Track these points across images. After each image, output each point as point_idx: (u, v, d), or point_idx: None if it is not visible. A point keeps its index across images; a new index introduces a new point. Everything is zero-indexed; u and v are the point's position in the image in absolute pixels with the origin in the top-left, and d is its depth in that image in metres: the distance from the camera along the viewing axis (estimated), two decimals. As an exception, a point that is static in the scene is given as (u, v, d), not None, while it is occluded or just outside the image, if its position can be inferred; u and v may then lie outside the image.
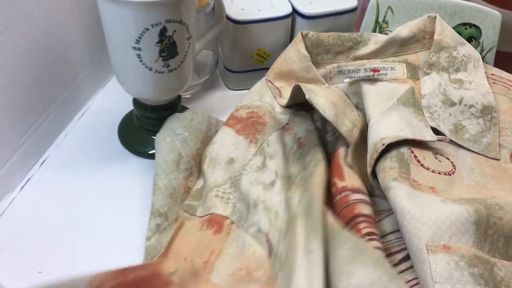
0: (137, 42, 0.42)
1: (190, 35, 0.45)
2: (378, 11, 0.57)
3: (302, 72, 0.52)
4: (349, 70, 0.55)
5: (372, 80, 0.52)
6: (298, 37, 0.53)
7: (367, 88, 0.51)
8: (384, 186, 0.41)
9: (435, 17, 0.54)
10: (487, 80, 0.51)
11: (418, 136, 0.44)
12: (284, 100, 0.51)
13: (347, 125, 0.47)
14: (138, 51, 0.43)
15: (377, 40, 0.55)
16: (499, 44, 0.58)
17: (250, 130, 0.48)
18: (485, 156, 0.46)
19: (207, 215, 0.43)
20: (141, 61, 0.44)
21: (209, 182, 0.45)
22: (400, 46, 0.55)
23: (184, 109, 0.56)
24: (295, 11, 0.57)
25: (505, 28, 0.59)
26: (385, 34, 0.57)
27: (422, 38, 0.55)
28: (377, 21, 0.57)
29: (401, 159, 0.43)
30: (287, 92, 0.51)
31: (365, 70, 0.53)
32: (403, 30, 0.55)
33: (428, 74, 0.51)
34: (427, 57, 0.52)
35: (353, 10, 0.57)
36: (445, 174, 0.44)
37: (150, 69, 0.44)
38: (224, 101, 0.60)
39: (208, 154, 0.48)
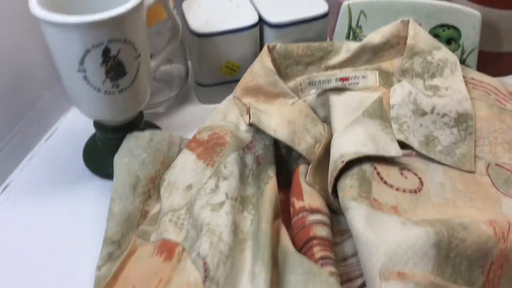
0: (81, 63, 0.41)
1: (139, 53, 0.43)
2: (351, 16, 0.54)
3: (268, 86, 0.50)
4: (319, 81, 0.52)
5: (342, 90, 0.49)
6: (264, 50, 0.51)
7: (334, 99, 0.48)
8: (343, 206, 0.39)
9: (408, 21, 0.51)
10: (466, 85, 0.48)
11: (381, 152, 0.41)
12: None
13: (308, 141, 0.44)
14: (84, 73, 0.41)
15: (348, 48, 0.53)
16: (481, 44, 0.55)
17: (209, 153, 0.46)
18: (458, 169, 0.43)
19: (159, 240, 0.42)
20: (88, 83, 0.42)
21: (164, 206, 0.44)
22: (373, 53, 0.52)
23: (150, 126, 0.55)
24: (262, 20, 0.55)
25: (486, 27, 0.56)
26: (360, 39, 0.54)
27: (396, 44, 0.52)
28: (350, 26, 0.55)
29: (362, 177, 0.40)
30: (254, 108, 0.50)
31: (336, 80, 0.50)
32: (375, 36, 0.52)
33: (400, 81, 0.48)
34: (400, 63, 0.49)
35: (323, 16, 0.55)
36: (410, 192, 0.40)
37: (99, 90, 0.43)
38: (197, 115, 0.58)
39: (166, 178, 0.46)
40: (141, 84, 0.45)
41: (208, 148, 0.46)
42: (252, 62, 0.54)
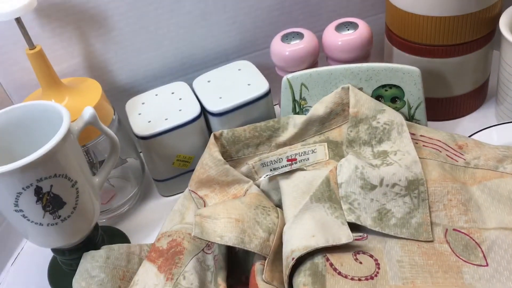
0: (16, 205, 0.41)
1: (75, 181, 0.43)
2: (293, 90, 0.54)
3: (220, 176, 0.50)
4: (271, 161, 0.52)
5: (292, 171, 0.48)
6: (211, 141, 0.52)
7: (283, 185, 0.47)
8: None
9: (348, 88, 0.51)
10: (416, 143, 0.47)
11: (331, 241, 0.40)
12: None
13: (260, 236, 0.43)
14: (21, 212, 0.41)
15: (295, 123, 0.52)
16: (432, 91, 0.54)
17: (169, 264, 0.45)
18: (416, 240, 0.42)
19: None
20: (28, 220, 0.42)
21: None
22: (320, 124, 0.52)
23: (111, 231, 0.54)
24: (205, 110, 0.54)
25: (433, 75, 0.56)
26: (306, 110, 0.54)
27: (341, 111, 0.51)
28: (294, 100, 0.54)
29: (315, 271, 0.39)
30: (211, 199, 0.49)
31: (287, 158, 0.50)
32: (319, 107, 0.52)
33: (347, 153, 0.47)
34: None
35: (266, 94, 0.54)
36: (367, 279, 0.39)
37: (41, 224, 0.42)
38: (160, 209, 0.57)
39: None
40: (85, 207, 0.45)
41: (168, 258, 0.45)
42: (202, 150, 0.54)
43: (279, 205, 0.48)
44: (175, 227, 0.48)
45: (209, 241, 0.41)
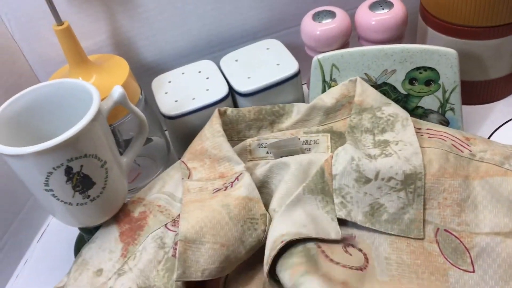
0: (46, 185, 0.40)
1: (104, 161, 0.42)
2: (323, 70, 0.52)
3: (214, 149, 0.48)
4: (269, 143, 0.51)
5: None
6: (214, 114, 0.50)
7: (289, 159, 0.46)
8: (294, 284, 0.37)
9: (356, 80, 0.49)
10: (422, 136, 0.45)
11: (321, 234, 0.40)
12: (192, 183, 0.47)
13: (241, 257, 0.42)
14: (51, 192, 0.41)
15: (299, 109, 0.52)
16: (468, 74, 0.52)
17: (130, 238, 0.44)
18: (406, 237, 0.41)
19: None
20: (58, 199, 0.42)
21: None
22: (325, 114, 0.50)
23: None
24: (233, 90, 0.53)
25: (469, 58, 0.54)
26: (337, 92, 0.53)
27: (348, 104, 0.50)
28: (324, 81, 0.53)
29: (307, 254, 0.39)
30: (198, 173, 0.48)
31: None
32: (325, 97, 0.50)
33: (348, 139, 0.45)
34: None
35: (296, 75, 0.53)
36: (357, 269, 0.39)
37: (70, 204, 0.42)
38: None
39: (83, 253, 0.45)
40: (114, 188, 0.44)
41: (133, 229, 0.45)
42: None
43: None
44: (152, 196, 0.48)
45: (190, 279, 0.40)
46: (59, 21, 0.46)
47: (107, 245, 0.45)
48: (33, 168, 0.39)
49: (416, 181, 0.41)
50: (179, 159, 0.57)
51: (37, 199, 0.44)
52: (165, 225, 0.45)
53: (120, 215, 0.46)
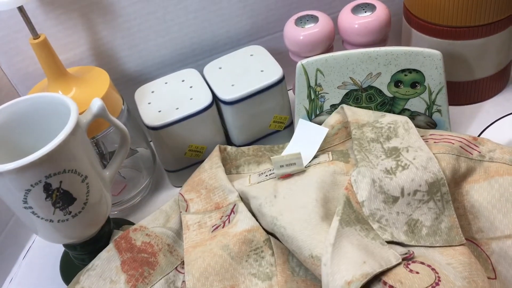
0: (25, 202, 0.39)
1: (85, 176, 0.41)
2: (308, 76, 0.51)
3: (210, 179, 0.48)
4: (268, 169, 0.50)
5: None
6: (215, 149, 0.51)
7: (283, 188, 0.45)
8: None
9: (342, 108, 0.50)
10: (427, 142, 0.44)
11: (384, 265, 0.37)
12: (190, 216, 0.46)
13: (260, 287, 0.40)
14: (30, 209, 0.40)
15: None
16: (453, 75, 0.51)
17: (135, 271, 0.43)
18: (450, 246, 0.39)
19: None
20: (38, 216, 0.41)
21: None
22: (322, 142, 0.49)
23: (123, 223, 0.53)
24: (217, 98, 0.52)
25: (454, 59, 0.53)
26: (322, 97, 0.52)
27: (344, 128, 0.50)
28: (309, 86, 0.52)
29: None
30: (195, 204, 0.47)
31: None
32: None
33: (357, 156, 0.44)
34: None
35: (280, 81, 0.52)
36: (434, 285, 0.36)
37: (51, 221, 0.41)
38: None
39: (82, 280, 0.43)
40: (96, 202, 0.43)
41: (137, 260, 0.44)
42: (216, 140, 0.53)
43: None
44: (157, 229, 0.47)
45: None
46: (35, 34, 0.45)
47: (108, 274, 0.44)
48: (11, 186, 0.38)
49: (441, 187, 0.41)
50: (166, 170, 0.57)
51: (18, 217, 0.43)
52: (176, 267, 0.44)
53: (121, 242, 0.45)
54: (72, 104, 0.41)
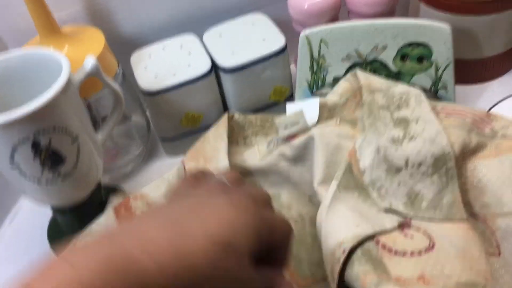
0: (12, 161, 0.38)
1: (76, 136, 0.39)
2: (311, 46, 0.50)
3: (211, 151, 0.46)
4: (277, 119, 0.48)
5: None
6: (222, 118, 0.48)
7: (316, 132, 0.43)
8: None
9: (355, 72, 0.47)
10: (438, 115, 0.43)
11: (377, 228, 0.36)
12: None
13: None
14: (18, 168, 0.38)
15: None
16: (460, 52, 0.49)
17: None
18: (450, 221, 0.38)
19: None
20: (25, 177, 0.39)
21: None
22: (330, 111, 0.47)
23: (112, 190, 0.51)
24: (216, 66, 0.51)
25: (462, 35, 0.51)
26: (324, 70, 0.50)
27: (353, 97, 0.47)
28: (312, 58, 0.50)
29: (370, 257, 0.35)
30: None
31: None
32: (328, 97, 0.48)
33: (366, 122, 0.43)
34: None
35: (282, 50, 0.51)
36: (427, 251, 0.35)
37: (39, 182, 0.40)
38: (166, 170, 0.54)
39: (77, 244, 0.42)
40: (86, 164, 0.42)
41: None
42: (213, 108, 0.51)
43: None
44: (158, 199, 0.45)
45: None
46: (28, -13, 0.43)
47: None
48: (-3, 142, 0.36)
49: (447, 162, 0.39)
50: (161, 138, 0.55)
51: (5, 177, 0.41)
52: None
53: (120, 209, 0.44)
54: (64, 59, 0.39)
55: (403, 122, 0.42)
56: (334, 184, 0.40)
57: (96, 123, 0.51)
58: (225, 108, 0.54)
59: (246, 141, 0.49)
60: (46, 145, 0.38)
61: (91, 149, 0.42)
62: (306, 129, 0.45)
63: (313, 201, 0.45)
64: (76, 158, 0.40)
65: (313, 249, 0.42)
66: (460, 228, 0.37)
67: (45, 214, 0.51)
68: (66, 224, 0.47)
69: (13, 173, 0.39)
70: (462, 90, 0.54)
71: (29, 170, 0.38)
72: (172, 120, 0.52)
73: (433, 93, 0.49)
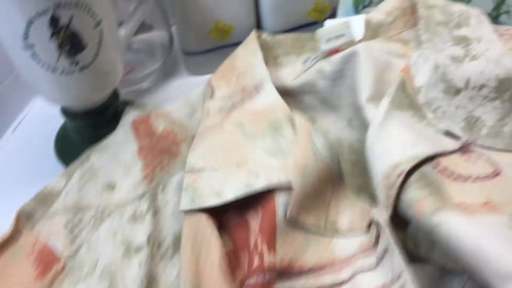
0: (26, 38, 0.32)
1: (99, 20, 0.34)
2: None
3: (244, 66, 0.42)
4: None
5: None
6: (250, 36, 0.44)
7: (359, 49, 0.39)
8: (426, 225, 0.29)
9: None
10: (500, 38, 0.38)
11: (438, 148, 0.32)
12: (213, 102, 0.41)
13: (271, 164, 0.33)
14: (31, 50, 0.33)
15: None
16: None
17: (154, 158, 0.38)
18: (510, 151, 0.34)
19: (42, 241, 0.34)
20: (38, 62, 0.34)
21: (70, 197, 0.36)
22: (375, 31, 0.42)
23: (126, 104, 0.46)
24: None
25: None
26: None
27: (402, 16, 0.42)
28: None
29: (428, 182, 0.30)
30: (221, 91, 0.41)
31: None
32: (374, 14, 0.42)
33: (422, 36, 0.38)
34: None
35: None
36: (492, 177, 0.31)
37: (54, 70, 0.34)
38: (186, 89, 0.49)
39: (91, 158, 0.38)
40: (107, 59, 0.37)
41: (156, 148, 0.38)
42: (245, 21, 0.46)
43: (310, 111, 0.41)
44: (181, 119, 0.41)
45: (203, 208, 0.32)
46: None
47: (123, 158, 0.38)
48: (11, 12, 0.31)
49: (511, 87, 0.35)
50: (184, 52, 0.50)
51: (16, 67, 0.36)
52: None
53: (140, 126, 0.40)
54: None
55: (464, 40, 0.37)
56: (385, 101, 0.36)
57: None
58: (258, 22, 0.49)
59: (276, 61, 0.44)
60: (66, 23, 0.32)
61: (114, 43, 0.37)
62: (351, 43, 0.40)
63: (353, 125, 0.40)
64: (97, 47, 0.35)
65: (353, 177, 0.38)
66: None
67: (54, 123, 0.46)
68: (77, 132, 0.42)
69: (25, 56, 0.33)
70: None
71: (44, 52, 0.33)
72: (201, 30, 0.46)
73: (494, 18, 0.44)
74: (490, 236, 0.27)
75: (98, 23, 0.34)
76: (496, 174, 0.32)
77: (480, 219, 0.28)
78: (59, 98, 0.38)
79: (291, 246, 0.32)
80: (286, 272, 0.31)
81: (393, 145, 0.33)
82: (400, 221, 0.32)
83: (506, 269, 0.25)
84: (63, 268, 0.33)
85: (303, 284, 0.31)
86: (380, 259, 0.31)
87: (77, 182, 0.37)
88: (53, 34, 0.32)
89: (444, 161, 0.32)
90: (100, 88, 0.38)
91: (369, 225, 0.33)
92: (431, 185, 0.30)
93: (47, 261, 0.33)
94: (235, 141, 0.35)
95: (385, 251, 0.30)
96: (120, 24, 0.40)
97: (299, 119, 0.36)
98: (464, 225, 0.27)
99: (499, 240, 0.26)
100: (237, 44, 0.44)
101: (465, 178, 0.31)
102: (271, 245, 0.31)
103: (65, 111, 0.41)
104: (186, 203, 0.32)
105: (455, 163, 0.32)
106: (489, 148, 0.34)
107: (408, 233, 0.32)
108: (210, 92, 0.42)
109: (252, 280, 0.29)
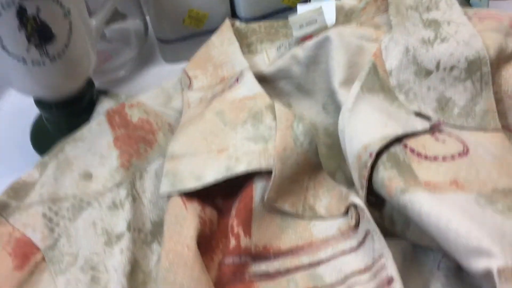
0: (-7, 30, 0.32)
1: (67, 10, 0.34)
2: None
3: (220, 55, 0.42)
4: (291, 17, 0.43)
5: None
6: (225, 24, 0.44)
7: (332, 35, 0.39)
8: (397, 204, 0.30)
9: None
10: (470, 20, 0.38)
11: (408, 129, 0.33)
12: (192, 93, 0.41)
13: (252, 149, 0.33)
14: (0, 42, 0.33)
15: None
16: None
17: (130, 147, 0.38)
18: (483, 130, 0.35)
19: (18, 231, 0.34)
20: (8, 53, 0.34)
21: (46, 189, 0.36)
22: (346, 16, 0.43)
23: (102, 94, 0.46)
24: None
25: None
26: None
27: (373, 1, 0.42)
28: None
29: (397, 162, 0.31)
30: (199, 81, 0.41)
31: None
32: (347, 1, 0.43)
33: (392, 21, 0.39)
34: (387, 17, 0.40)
35: None
36: (460, 156, 0.32)
37: (24, 61, 0.34)
38: (162, 78, 0.49)
39: (66, 149, 0.38)
40: (79, 49, 0.37)
41: (132, 137, 0.38)
42: (219, 8, 0.46)
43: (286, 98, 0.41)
44: (157, 107, 0.41)
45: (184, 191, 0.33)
46: None
47: (98, 149, 0.38)
48: (-24, 4, 0.31)
49: (482, 67, 0.35)
50: (159, 40, 0.50)
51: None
52: None
53: (114, 116, 0.40)
54: None
55: (434, 24, 0.38)
56: (357, 85, 0.36)
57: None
58: (232, 9, 0.49)
59: (250, 48, 0.45)
60: (34, 14, 0.32)
61: (84, 33, 0.37)
62: (324, 29, 0.40)
63: (327, 110, 0.41)
64: (67, 37, 0.35)
65: (328, 160, 0.39)
66: (495, 136, 0.34)
67: (29, 116, 0.46)
68: (52, 122, 0.42)
69: (-5, 49, 0.33)
70: (496, 3, 0.49)
71: (12, 44, 0.33)
72: (174, 18, 0.46)
73: (465, 0, 0.45)
74: (458, 213, 0.27)
75: (67, 13, 0.34)
76: (464, 152, 0.32)
77: (448, 197, 0.29)
78: (31, 90, 0.38)
79: (267, 230, 0.33)
80: (262, 255, 0.32)
81: (363, 127, 0.33)
82: (376, 199, 0.33)
83: (473, 244, 0.26)
84: (42, 259, 0.33)
85: (280, 265, 0.32)
86: (362, 242, 0.32)
87: (52, 173, 0.37)
88: (21, 26, 0.32)
89: (413, 142, 0.32)
90: (73, 78, 0.38)
91: (347, 208, 0.34)
92: (400, 165, 0.31)
93: (25, 251, 0.33)
94: (216, 129, 0.36)
95: (367, 233, 0.31)
96: (92, 13, 0.40)
97: (279, 106, 0.37)
98: (432, 204, 0.28)
99: (467, 216, 0.27)
100: (212, 31, 0.44)
101: (433, 158, 0.32)
102: (247, 229, 0.32)
103: (39, 102, 0.41)
104: (166, 187, 0.33)
105: (424, 143, 0.33)
106: (461, 127, 0.35)
107: (384, 212, 0.33)
108: (187, 81, 0.42)
109: (228, 260, 0.30)
